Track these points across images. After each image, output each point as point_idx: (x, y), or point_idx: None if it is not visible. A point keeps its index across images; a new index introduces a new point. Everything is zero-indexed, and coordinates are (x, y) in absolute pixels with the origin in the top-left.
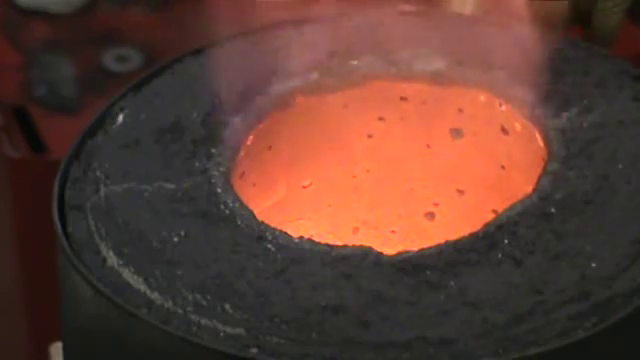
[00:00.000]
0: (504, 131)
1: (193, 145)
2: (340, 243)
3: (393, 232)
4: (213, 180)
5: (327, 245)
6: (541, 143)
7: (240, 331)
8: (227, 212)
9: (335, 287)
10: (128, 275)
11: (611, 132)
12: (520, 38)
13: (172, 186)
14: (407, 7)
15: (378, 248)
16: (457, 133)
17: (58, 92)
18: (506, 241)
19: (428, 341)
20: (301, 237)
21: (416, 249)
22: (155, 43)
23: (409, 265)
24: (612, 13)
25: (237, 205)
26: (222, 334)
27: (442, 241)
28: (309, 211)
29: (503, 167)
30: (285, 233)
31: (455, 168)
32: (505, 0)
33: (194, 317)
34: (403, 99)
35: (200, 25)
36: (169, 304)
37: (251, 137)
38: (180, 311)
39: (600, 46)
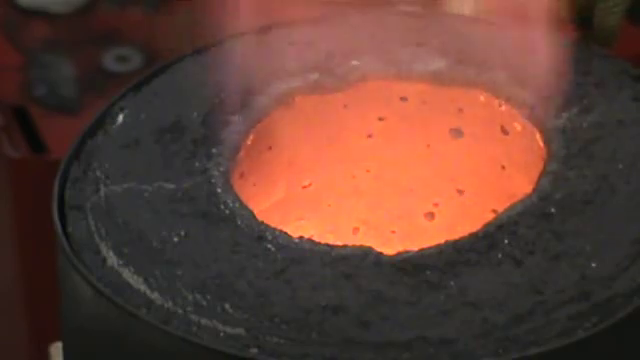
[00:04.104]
0: (504, 131)
1: (193, 145)
2: (340, 243)
3: (393, 232)
4: (213, 180)
5: (327, 245)
6: (541, 143)
7: (240, 331)
8: (227, 212)
9: (335, 287)
10: (128, 275)
11: (611, 132)
12: (520, 38)
13: (172, 186)
14: (407, 7)
15: (378, 248)
16: (457, 133)
17: (58, 92)
18: (506, 241)
19: (428, 341)
20: (301, 237)
21: (416, 249)
22: (155, 43)
23: (409, 265)
24: (612, 13)
25: (237, 205)
26: (222, 334)
27: (442, 241)
28: (309, 211)
29: (503, 167)
30: (285, 233)
31: (455, 168)
32: (505, 0)
33: (194, 317)
34: (403, 99)
35: (200, 25)
36: (169, 304)
37: (251, 137)
38: (180, 311)
39: (600, 46)
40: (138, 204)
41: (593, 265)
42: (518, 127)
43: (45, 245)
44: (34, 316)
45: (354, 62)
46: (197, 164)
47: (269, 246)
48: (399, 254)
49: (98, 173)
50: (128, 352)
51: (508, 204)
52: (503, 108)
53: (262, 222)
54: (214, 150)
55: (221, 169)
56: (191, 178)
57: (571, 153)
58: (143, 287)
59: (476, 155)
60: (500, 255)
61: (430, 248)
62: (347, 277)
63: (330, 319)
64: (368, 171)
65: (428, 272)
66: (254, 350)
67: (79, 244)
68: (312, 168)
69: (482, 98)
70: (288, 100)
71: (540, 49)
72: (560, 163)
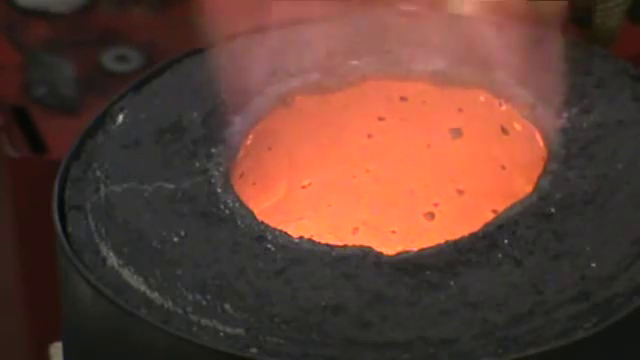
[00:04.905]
0: (504, 131)
1: (193, 145)
2: (340, 243)
3: (393, 232)
4: (213, 180)
5: (327, 245)
6: (541, 143)
7: (240, 331)
8: (227, 212)
9: (335, 287)
10: (128, 275)
11: (611, 132)
12: (520, 38)
13: (172, 186)
14: (407, 7)
15: (378, 248)
16: (457, 133)
17: (58, 92)
18: (506, 241)
19: (428, 341)
20: (301, 237)
21: (416, 249)
22: (155, 43)
23: (409, 265)
24: (612, 13)
25: (237, 205)
26: (222, 334)
27: (442, 241)
28: (309, 211)
29: (503, 167)
30: (285, 233)
31: (455, 168)
32: (505, 0)
33: (194, 317)
34: (403, 99)
35: (200, 25)
36: (169, 304)
37: (251, 137)
38: (180, 311)
39: (600, 46)
40: (138, 204)
41: (593, 265)
42: (518, 127)
43: (45, 245)
44: (34, 316)
45: (354, 62)
46: (197, 164)
47: (269, 246)
48: (399, 254)
49: (98, 173)
50: (128, 352)
51: (508, 204)
52: (503, 108)
53: (262, 222)
54: (214, 150)
55: (221, 169)
56: (191, 178)
57: (571, 153)
58: (143, 287)
59: (476, 155)
60: (500, 255)
61: (430, 248)
62: (347, 277)
63: (330, 319)
64: (368, 171)
65: (428, 272)
66: (254, 350)
67: (79, 244)
68: (312, 168)
69: (482, 98)
70: (288, 100)
71: (540, 49)
72: (560, 163)
